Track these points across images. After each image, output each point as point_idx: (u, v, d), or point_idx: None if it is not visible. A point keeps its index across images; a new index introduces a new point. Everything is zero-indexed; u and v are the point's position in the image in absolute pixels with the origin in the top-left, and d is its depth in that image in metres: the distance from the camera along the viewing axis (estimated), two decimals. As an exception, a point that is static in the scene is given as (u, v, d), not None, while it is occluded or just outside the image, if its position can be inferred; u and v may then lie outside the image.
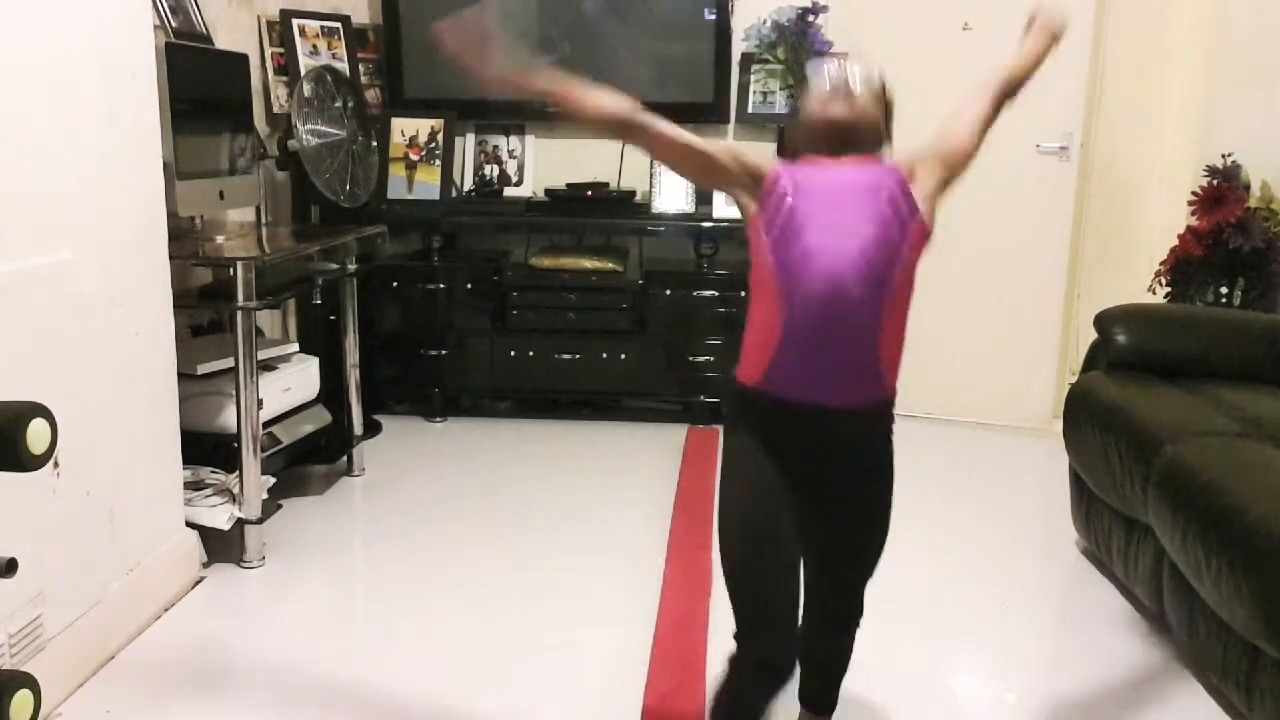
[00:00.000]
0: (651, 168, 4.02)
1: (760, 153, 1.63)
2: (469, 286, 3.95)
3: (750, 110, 4.11)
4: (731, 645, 1.64)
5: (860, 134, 1.60)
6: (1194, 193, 3.55)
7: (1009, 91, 1.81)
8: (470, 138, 4.26)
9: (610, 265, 3.97)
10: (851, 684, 2.19)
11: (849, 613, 1.77)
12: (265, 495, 2.73)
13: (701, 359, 3.89)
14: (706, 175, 1.63)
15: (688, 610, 2.49)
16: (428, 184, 3.97)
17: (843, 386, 1.54)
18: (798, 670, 1.69)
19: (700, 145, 1.58)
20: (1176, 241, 3.56)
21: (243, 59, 3.20)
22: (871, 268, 1.51)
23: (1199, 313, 3.16)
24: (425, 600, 2.56)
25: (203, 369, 2.78)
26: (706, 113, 4.03)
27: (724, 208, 3.92)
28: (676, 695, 2.12)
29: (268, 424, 2.85)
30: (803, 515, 1.60)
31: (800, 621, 1.69)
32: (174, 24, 2.95)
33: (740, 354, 1.60)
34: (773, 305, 1.53)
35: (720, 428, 1.70)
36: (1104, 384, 2.75)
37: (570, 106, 1.61)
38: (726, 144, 1.62)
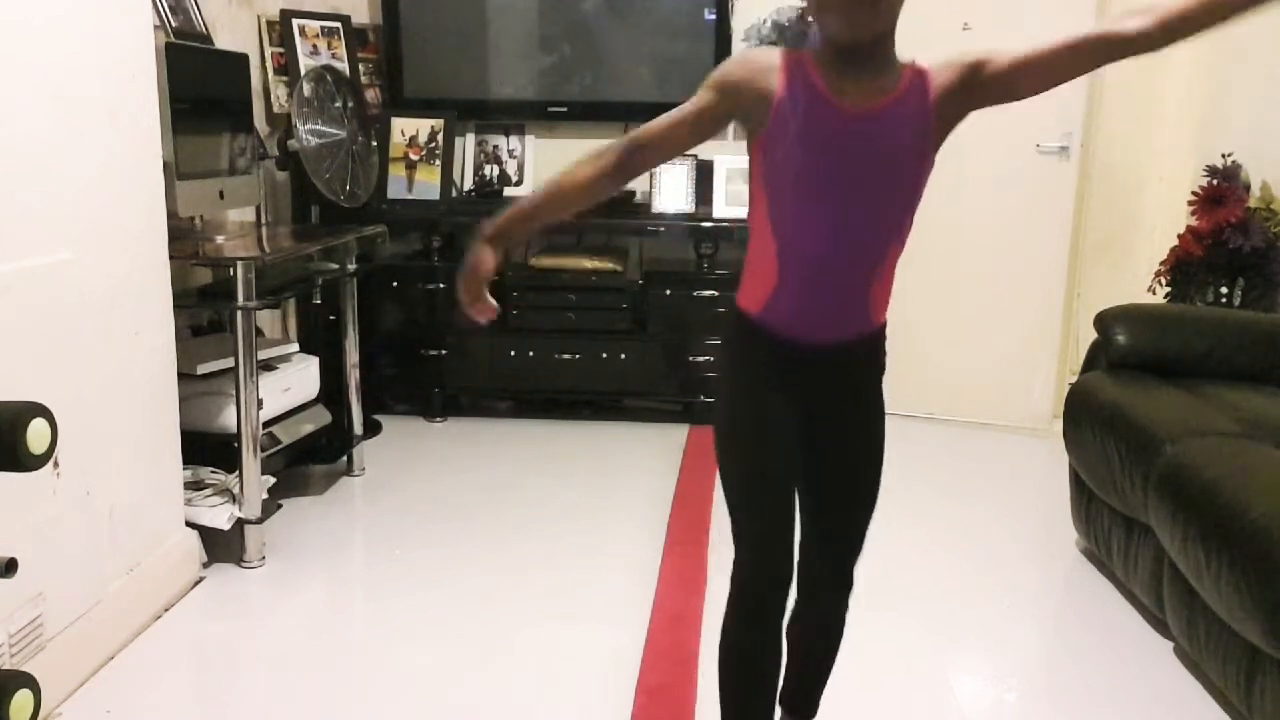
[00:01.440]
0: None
1: (755, 58, 1.47)
2: (469, 286, 3.94)
3: (750, 110, 4.11)
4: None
5: (881, 42, 1.41)
6: (1194, 193, 3.55)
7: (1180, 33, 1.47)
8: (470, 138, 4.26)
9: (610, 265, 3.97)
10: (851, 683, 2.19)
11: (839, 577, 1.69)
12: (265, 495, 2.73)
13: (701, 359, 3.88)
14: (709, 134, 1.50)
15: (682, 607, 2.49)
16: (428, 184, 3.97)
17: (836, 324, 1.54)
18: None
19: (687, 116, 1.48)
20: (1176, 241, 3.56)
21: (243, 59, 3.20)
22: (875, 241, 1.48)
23: (1199, 313, 3.16)
24: (424, 599, 2.56)
25: (203, 369, 2.78)
26: (706, 113, 4.02)
27: (724, 208, 3.92)
28: (668, 691, 2.13)
29: (268, 424, 2.85)
30: (800, 446, 1.58)
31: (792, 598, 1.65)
32: (174, 24, 2.95)
33: (742, 276, 1.59)
34: (767, 250, 1.50)
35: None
36: (1104, 384, 2.75)
37: (549, 210, 1.55)
38: (715, 79, 1.47)
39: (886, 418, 1.65)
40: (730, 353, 1.64)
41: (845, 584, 1.71)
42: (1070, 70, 1.56)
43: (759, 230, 1.50)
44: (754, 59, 1.48)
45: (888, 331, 1.61)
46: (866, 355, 1.60)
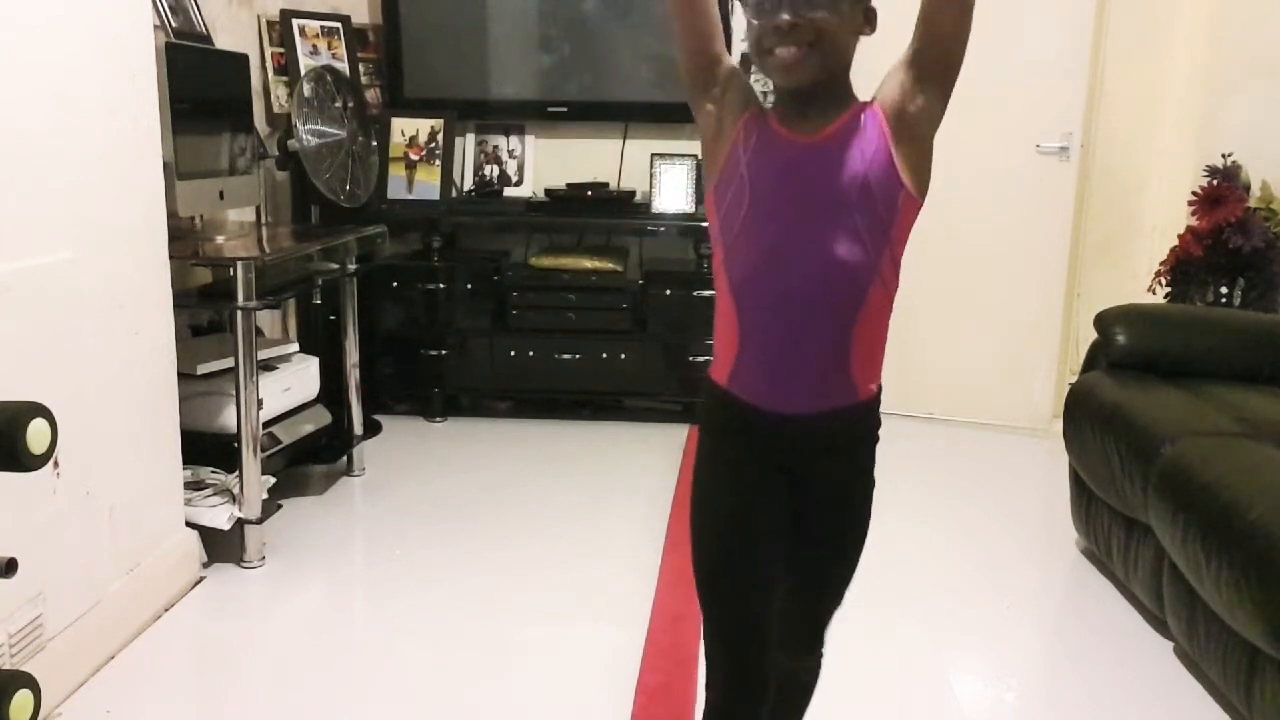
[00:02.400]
0: (651, 168, 4.03)
1: (744, 89, 1.41)
2: (469, 286, 3.95)
3: (750, 110, 4.11)
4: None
5: (825, 88, 1.35)
6: (1194, 193, 3.56)
7: None
8: (470, 138, 4.26)
9: (610, 265, 3.97)
10: (851, 683, 2.19)
11: (802, 646, 1.56)
12: (265, 495, 2.73)
13: (701, 359, 3.88)
14: (702, 52, 1.44)
15: (682, 607, 2.49)
16: (428, 184, 3.97)
17: (810, 389, 1.35)
18: None
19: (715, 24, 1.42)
20: (1176, 241, 3.56)
21: (243, 59, 3.20)
22: (843, 278, 1.31)
23: (1199, 313, 3.16)
24: (424, 599, 2.56)
25: (203, 369, 2.78)
26: (706, 113, 4.03)
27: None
28: (668, 691, 2.13)
29: (268, 424, 2.85)
30: (771, 531, 1.41)
31: None
32: (174, 24, 2.95)
33: (714, 345, 1.43)
34: (728, 309, 1.37)
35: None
36: (1104, 384, 2.75)
37: None
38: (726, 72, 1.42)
39: (875, 486, 1.46)
40: (701, 435, 1.47)
41: (809, 651, 1.57)
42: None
43: (721, 291, 1.38)
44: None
45: (881, 417, 1.42)
46: (850, 437, 1.40)
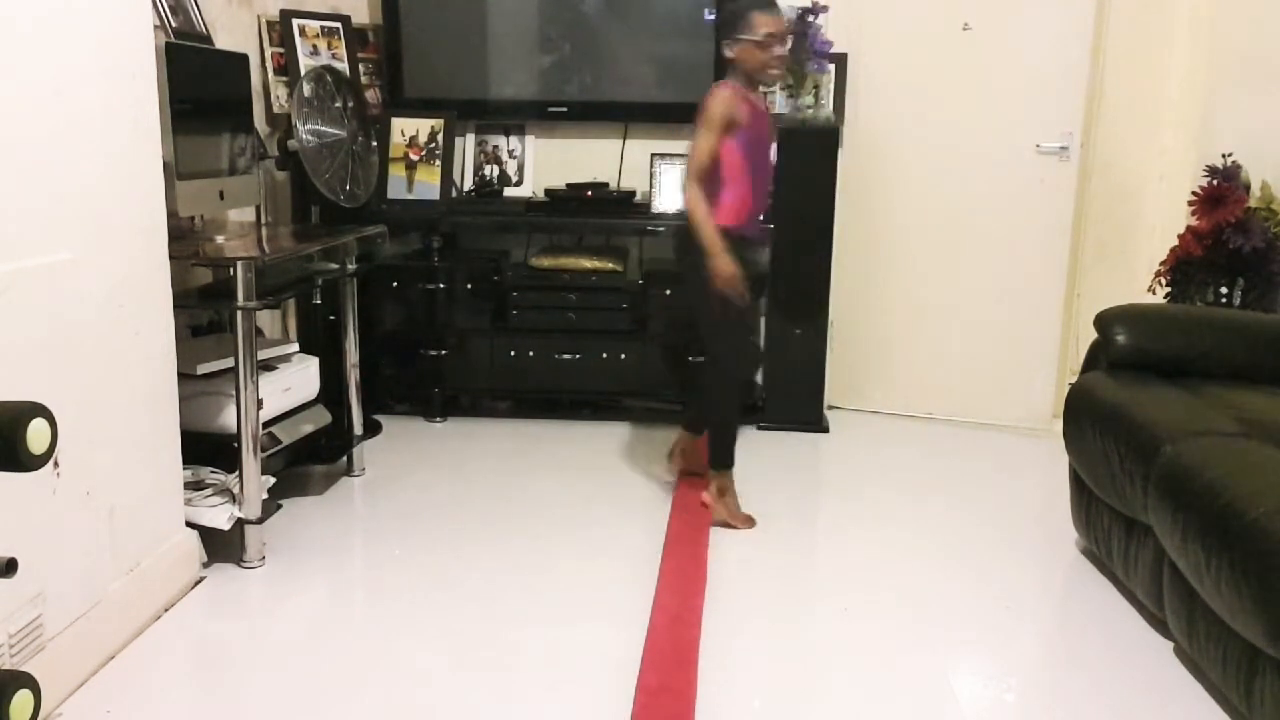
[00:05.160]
0: (651, 168, 4.03)
1: (725, 101, 2.83)
2: (469, 286, 3.95)
3: (750, 110, 4.11)
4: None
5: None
6: (1194, 193, 3.56)
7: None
8: (470, 138, 4.26)
9: (610, 265, 3.97)
10: (851, 683, 2.19)
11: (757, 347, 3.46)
12: (265, 495, 2.73)
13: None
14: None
15: (682, 607, 2.50)
16: (428, 184, 3.97)
17: (760, 225, 3.08)
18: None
19: (713, 141, 2.83)
20: (1176, 241, 3.56)
21: (243, 59, 3.20)
22: (772, 172, 3.19)
23: (1199, 313, 3.16)
24: (424, 599, 2.56)
25: (203, 369, 2.78)
26: (706, 113, 4.02)
27: (724, 208, 3.92)
28: (668, 691, 2.13)
29: (268, 424, 2.85)
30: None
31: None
32: (174, 24, 2.95)
33: (717, 212, 2.85)
34: (746, 186, 2.90)
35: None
36: (1104, 384, 2.75)
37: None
38: (715, 119, 2.82)
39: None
40: (715, 251, 2.84)
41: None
42: None
43: (737, 181, 2.88)
44: (730, 98, 2.83)
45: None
46: (764, 244, 3.33)
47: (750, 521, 3.02)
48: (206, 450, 2.75)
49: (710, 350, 3.11)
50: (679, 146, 4.06)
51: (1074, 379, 3.06)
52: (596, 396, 4.11)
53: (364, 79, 4.07)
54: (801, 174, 3.82)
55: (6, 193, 1.89)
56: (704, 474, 3.15)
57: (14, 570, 1.42)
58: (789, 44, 2.88)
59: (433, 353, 3.95)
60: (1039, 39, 3.86)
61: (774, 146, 3.01)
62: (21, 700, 1.33)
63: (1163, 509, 2.22)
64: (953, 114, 3.99)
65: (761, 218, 3.03)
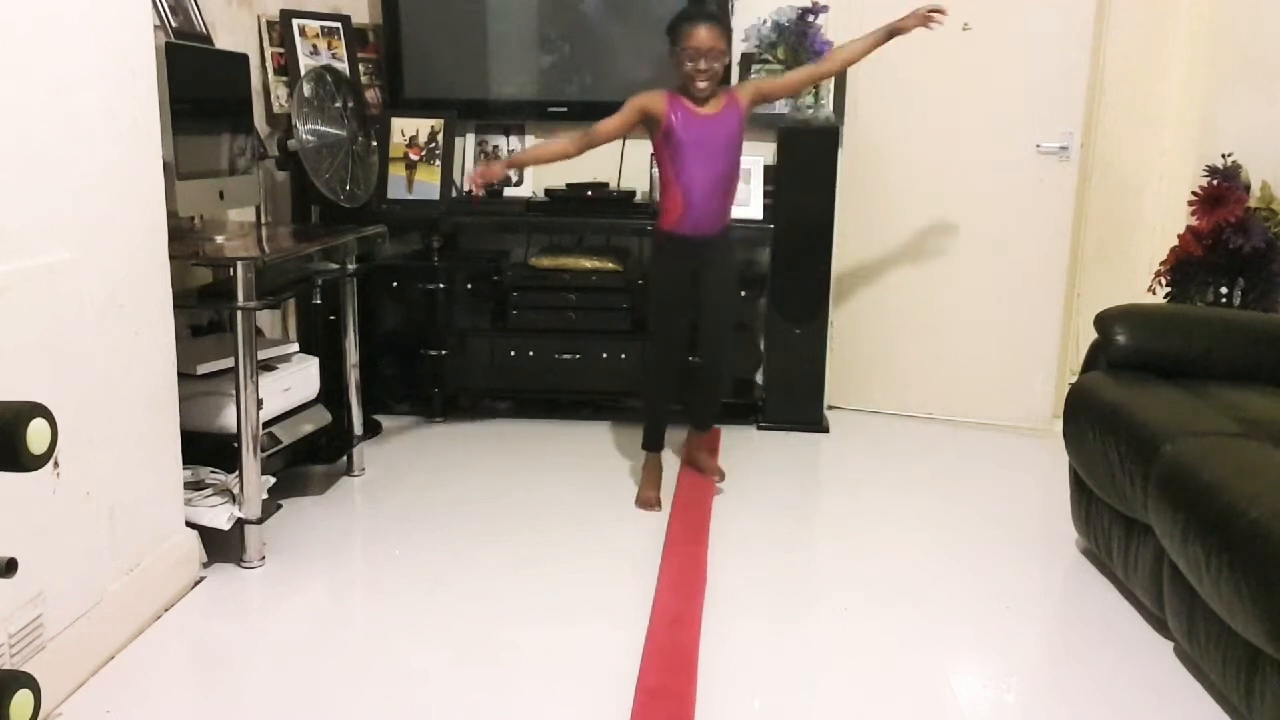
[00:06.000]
0: (651, 168, 4.03)
1: (646, 95, 2.99)
2: (469, 286, 3.95)
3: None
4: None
5: (712, 91, 2.99)
6: (1194, 193, 3.55)
7: (832, 73, 3.44)
8: (470, 138, 4.26)
9: (610, 265, 3.97)
10: (851, 683, 2.19)
11: (723, 341, 3.24)
12: (265, 495, 2.73)
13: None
14: (628, 133, 3.10)
15: (682, 607, 2.49)
16: (428, 184, 3.97)
17: (708, 224, 3.06)
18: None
19: (623, 119, 2.99)
20: (1176, 241, 3.56)
21: (243, 59, 3.20)
22: (723, 179, 3.04)
23: (1199, 313, 3.16)
24: (424, 599, 2.56)
25: (203, 369, 2.78)
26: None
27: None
28: (668, 691, 2.13)
29: (268, 424, 2.85)
30: (695, 291, 3.11)
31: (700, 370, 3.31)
32: (174, 24, 2.95)
33: (660, 214, 3.09)
34: (677, 191, 3.03)
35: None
36: (1104, 384, 2.75)
37: (528, 163, 3.17)
38: (633, 103, 2.99)
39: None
40: (656, 253, 3.16)
41: (728, 343, 3.37)
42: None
43: (671, 185, 3.03)
44: (655, 95, 2.98)
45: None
46: (724, 241, 3.14)
47: (650, 505, 3.16)
48: (206, 450, 2.75)
49: (649, 334, 3.41)
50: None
51: (1074, 379, 3.06)
52: (596, 396, 4.11)
53: (364, 79, 4.07)
54: (801, 174, 3.82)
55: (6, 193, 1.89)
56: (708, 472, 3.39)
57: (14, 570, 1.41)
58: (723, 60, 2.94)
59: (433, 353, 3.95)
60: (1039, 39, 3.86)
61: (737, 151, 3.03)
62: (21, 700, 1.33)
63: (1162, 509, 2.22)
64: (953, 114, 3.99)
65: (717, 219, 3.06)
